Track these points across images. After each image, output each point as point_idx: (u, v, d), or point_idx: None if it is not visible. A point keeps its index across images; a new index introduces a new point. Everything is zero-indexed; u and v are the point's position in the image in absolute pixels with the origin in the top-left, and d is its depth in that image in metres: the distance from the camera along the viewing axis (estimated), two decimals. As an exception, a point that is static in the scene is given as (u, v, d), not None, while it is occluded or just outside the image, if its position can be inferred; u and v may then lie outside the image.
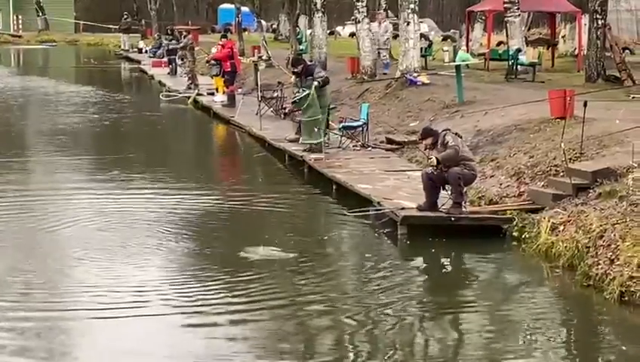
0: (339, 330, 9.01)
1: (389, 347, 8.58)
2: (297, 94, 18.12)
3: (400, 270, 11.12)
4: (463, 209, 12.37)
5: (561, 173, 12.87)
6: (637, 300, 9.40)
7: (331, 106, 19.06)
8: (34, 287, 10.10)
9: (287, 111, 22.05)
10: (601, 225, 10.69)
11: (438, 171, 12.37)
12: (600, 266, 10.12)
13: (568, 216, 11.52)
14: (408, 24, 22.55)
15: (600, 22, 22.26)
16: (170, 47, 37.05)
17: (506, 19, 27.25)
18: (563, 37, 33.18)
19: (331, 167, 16.06)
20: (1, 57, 50.53)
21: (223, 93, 26.42)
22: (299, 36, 35.20)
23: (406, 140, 17.48)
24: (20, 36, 61.84)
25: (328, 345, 8.66)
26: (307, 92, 17.58)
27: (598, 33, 22.19)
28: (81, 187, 15.64)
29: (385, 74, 25.85)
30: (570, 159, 12.92)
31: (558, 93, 15.89)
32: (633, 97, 18.82)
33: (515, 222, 12.16)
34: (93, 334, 8.79)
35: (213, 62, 27.07)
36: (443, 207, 12.44)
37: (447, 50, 31.39)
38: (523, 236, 11.90)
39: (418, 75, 22.40)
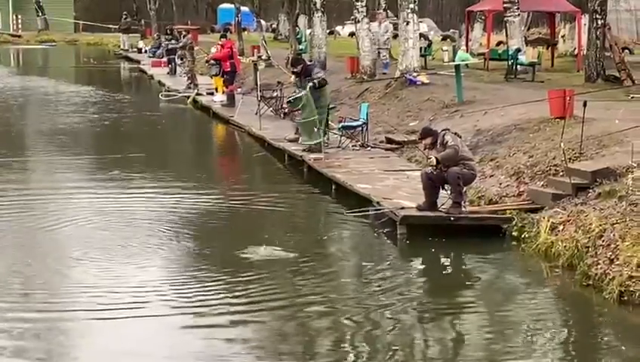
0: (338, 331, 9.00)
1: (389, 348, 8.57)
2: (294, 94, 18.16)
3: (399, 270, 11.12)
4: (463, 208, 12.36)
5: (561, 173, 12.87)
6: (636, 300, 9.40)
7: (331, 106, 19.06)
8: (33, 288, 10.10)
9: (286, 110, 22.06)
10: (600, 225, 10.69)
11: (438, 171, 12.36)
12: (599, 266, 10.12)
13: (568, 216, 11.51)
14: (408, 24, 22.54)
15: (599, 22, 22.26)
16: (170, 46, 37.05)
17: (505, 19, 27.24)
18: (563, 37, 33.18)
19: (331, 166, 16.06)
20: (1, 57, 50.52)
21: (223, 92, 26.42)
22: (298, 36, 35.21)
23: (405, 140, 17.48)
24: (19, 36, 61.81)
25: (328, 346, 8.65)
26: (303, 92, 17.62)
27: (598, 33, 22.18)
28: (80, 186, 15.64)
29: (384, 73, 25.87)
30: (570, 159, 12.92)
31: (558, 92, 15.89)
32: (633, 97, 18.82)
33: (514, 222, 12.16)
34: (93, 335, 8.78)
35: (212, 62, 27.06)
36: (442, 206, 12.44)
37: (447, 50, 31.39)
38: (522, 236, 11.90)
39: (418, 75, 22.39)
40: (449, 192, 12.42)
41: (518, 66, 25.18)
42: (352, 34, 40.32)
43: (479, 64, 27.91)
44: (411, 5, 22.45)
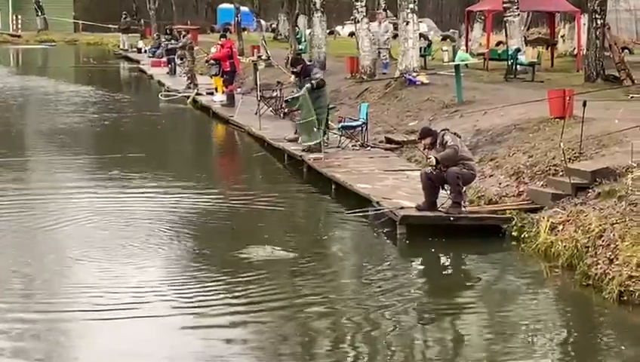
0: (338, 332, 8.99)
1: (389, 349, 8.57)
2: (292, 94, 18.17)
3: (399, 270, 11.12)
4: (462, 208, 12.37)
5: (561, 173, 12.87)
6: (636, 300, 9.41)
7: (330, 106, 19.07)
8: (33, 288, 10.10)
9: (286, 110, 22.07)
10: (600, 225, 10.69)
11: (437, 171, 12.36)
12: (599, 266, 10.13)
13: (567, 216, 11.51)
14: (407, 24, 22.54)
15: (599, 21, 22.26)
16: (170, 46, 37.05)
17: (505, 18, 27.24)
18: (562, 37, 33.18)
19: (330, 166, 16.06)
20: (1, 57, 50.47)
21: (222, 92, 26.43)
22: (298, 36, 35.20)
23: (405, 140, 17.49)
24: (19, 36, 61.77)
25: (328, 347, 8.64)
26: (300, 92, 17.63)
27: (598, 33, 22.18)
28: (80, 186, 15.65)
29: (384, 73, 25.87)
30: (570, 159, 12.93)
31: (558, 92, 15.89)
32: (632, 97, 18.82)
33: (514, 222, 12.16)
34: (92, 335, 8.77)
35: (212, 61, 27.07)
36: (442, 206, 12.44)
37: (447, 50, 31.38)
38: (522, 236, 11.90)
39: (417, 75, 22.39)
40: (448, 192, 12.42)
41: (518, 66, 25.18)
42: (351, 34, 40.33)
43: (479, 64, 27.91)
44: (411, 5, 22.45)
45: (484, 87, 21.85)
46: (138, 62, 44.08)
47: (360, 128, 18.34)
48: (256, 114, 21.95)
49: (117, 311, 9.28)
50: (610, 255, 10.11)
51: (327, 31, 34.31)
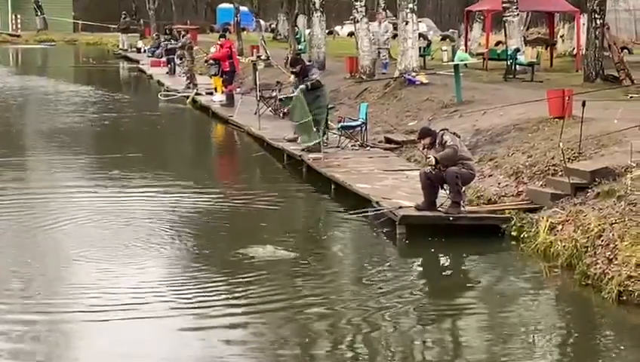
0: (338, 334, 8.98)
1: (389, 350, 8.57)
2: (291, 94, 18.19)
3: (399, 270, 11.13)
4: (462, 208, 12.37)
5: (560, 173, 12.88)
6: (635, 299, 9.41)
7: (330, 106, 19.08)
8: (32, 288, 10.08)
9: (285, 110, 22.07)
10: (599, 225, 10.69)
11: (437, 171, 12.37)
12: (598, 266, 10.13)
13: (567, 216, 11.52)
14: (407, 24, 22.56)
15: (598, 21, 22.27)
16: (169, 46, 37.06)
17: (504, 18, 27.25)
18: (562, 37, 33.20)
19: (330, 166, 16.06)
20: (0, 57, 50.48)
21: (222, 92, 26.43)
22: (297, 36, 35.21)
23: (404, 140, 17.50)
24: (18, 36, 61.78)
25: (327, 349, 8.63)
26: (296, 93, 17.65)
27: (597, 33, 22.20)
28: (80, 186, 15.66)
29: (384, 73, 25.89)
30: (569, 159, 12.94)
31: (557, 92, 15.90)
32: (631, 97, 18.84)
33: (513, 222, 12.17)
34: (91, 337, 8.77)
35: (211, 61, 27.08)
36: (441, 206, 12.45)
37: (446, 50, 31.38)
38: (521, 235, 11.91)
39: (417, 75, 22.40)
40: (448, 192, 12.43)
41: (517, 66, 25.19)
42: (351, 34, 40.34)
43: (478, 64, 27.93)
44: (410, 5, 22.46)
45: (484, 87, 21.86)
46: (137, 62, 44.08)
47: (359, 128, 18.34)
48: (255, 114, 21.97)
49: (116, 312, 9.26)
50: (610, 255, 10.12)
51: (327, 31, 34.31)
